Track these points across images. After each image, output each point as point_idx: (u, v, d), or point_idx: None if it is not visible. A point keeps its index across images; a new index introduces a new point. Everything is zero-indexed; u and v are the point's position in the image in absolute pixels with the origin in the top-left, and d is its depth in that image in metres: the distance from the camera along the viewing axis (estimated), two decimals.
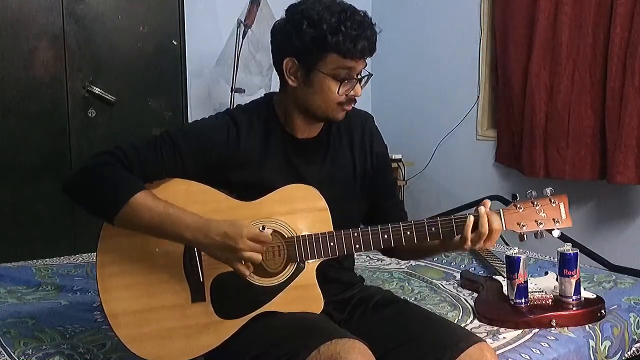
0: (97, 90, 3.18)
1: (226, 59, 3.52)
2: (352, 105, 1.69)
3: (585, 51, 3.16)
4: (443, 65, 4.03)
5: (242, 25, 3.42)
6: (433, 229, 1.64)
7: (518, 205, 1.67)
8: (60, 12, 3.08)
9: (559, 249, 2.07)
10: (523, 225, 1.66)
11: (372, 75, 1.69)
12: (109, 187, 1.57)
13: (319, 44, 1.59)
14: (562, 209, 1.67)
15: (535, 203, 1.67)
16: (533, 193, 1.68)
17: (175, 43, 3.33)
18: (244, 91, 3.47)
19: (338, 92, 1.63)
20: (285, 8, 1.66)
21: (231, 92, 3.47)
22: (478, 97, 3.78)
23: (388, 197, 1.87)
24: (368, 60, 1.66)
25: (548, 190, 1.67)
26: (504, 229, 1.66)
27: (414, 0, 4.19)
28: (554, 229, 1.67)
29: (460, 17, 3.88)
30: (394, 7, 4.29)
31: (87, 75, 3.17)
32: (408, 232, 1.64)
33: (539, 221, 1.66)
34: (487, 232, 1.61)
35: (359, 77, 1.64)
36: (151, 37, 3.29)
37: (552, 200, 1.67)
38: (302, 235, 1.63)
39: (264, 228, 1.58)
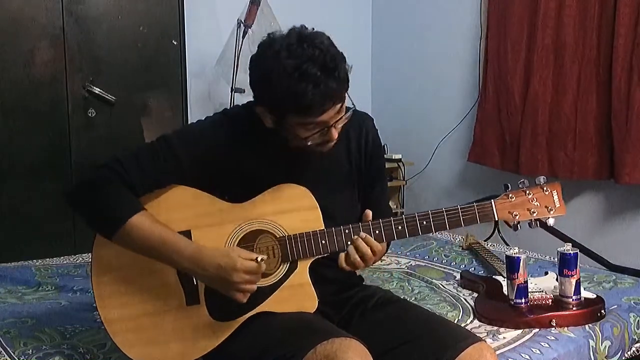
0: (97, 90, 3.18)
1: (226, 59, 3.52)
2: (333, 141, 1.62)
3: (591, 51, 3.16)
4: (443, 65, 4.02)
5: (242, 25, 3.42)
6: (425, 222, 1.64)
7: (510, 195, 1.66)
8: (60, 12, 3.08)
9: (559, 249, 2.07)
10: (515, 215, 1.65)
11: (352, 109, 1.62)
12: (108, 207, 1.58)
13: (276, 108, 1.55)
14: (555, 196, 1.66)
15: (528, 192, 1.66)
16: (525, 182, 1.67)
17: (175, 43, 3.33)
18: (244, 91, 3.47)
19: (308, 143, 1.59)
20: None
21: (231, 92, 3.47)
22: (478, 97, 3.78)
23: (378, 199, 1.86)
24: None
25: (541, 179, 1.67)
26: (496, 218, 1.65)
27: (413, 0, 4.19)
28: (548, 217, 1.66)
29: (460, 17, 3.88)
30: (394, 7, 4.29)
31: (87, 75, 3.17)
32: (400, 227, 1.64)
33: (532, 210, 1.66)
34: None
35: (334, 121, 1.57)
36: (151, 37, 3.29)
37: (545, 189, 1.67)
38: (293, 234, 1.64)
39: (258, 259, 1.55)
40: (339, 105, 1.57)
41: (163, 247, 1.56)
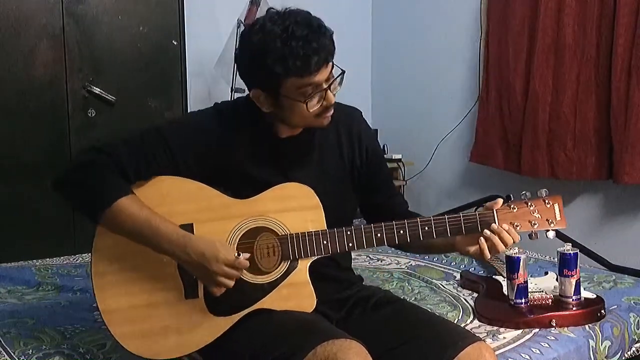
0: (97, 90, 3.18)
1: (226, 59, 3.52)
2: (332, 110, 1.64)
3: (590, 52, 3.16)
4: (443, 65, 4.03)
5: (242, 25, 3.42)
6: (426, 227, 1.65)
7: (512, 206, 1.68)
8: (60, 12, 3.08)
9: (559, 249, 2.07)
10: (517, 226, 1.67)
11: (344, 72, 1.64)
12: (95, 188, 1.58)
13: (272, 75, 1.56)
14: (557, 209, 1.68)
15: (529, 204, 1.68)
16: (527, 194, 1.69)
17: (175, 43, 3.33)
18: (244, 91, 3.42)
19: (309, 110, 1.60)
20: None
21: (231, 92, 3.47)
22: (478, 97, 3.78)
23: (385, 193, 1.86)
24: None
25: (543, 192, 1.69)
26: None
27: (413, 1, 4.19)
28: (548, 230, 1.68)
29: (460, 17, 3.88)
30: (394, 6, 4.29)
31: (87, 75, 3.17)
32: (401, 231, 1.65)
33: (533, 222, 1.68)
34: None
35: (328, 84, 1.60)
36: (151, 37, 3.29)
37: (546, 201, 1.68)
38: (295, 233, 1.64)
39: (239, 254, 1.58)
40: (330, 65, 1.59)
41: (149, 230, 1.56)
